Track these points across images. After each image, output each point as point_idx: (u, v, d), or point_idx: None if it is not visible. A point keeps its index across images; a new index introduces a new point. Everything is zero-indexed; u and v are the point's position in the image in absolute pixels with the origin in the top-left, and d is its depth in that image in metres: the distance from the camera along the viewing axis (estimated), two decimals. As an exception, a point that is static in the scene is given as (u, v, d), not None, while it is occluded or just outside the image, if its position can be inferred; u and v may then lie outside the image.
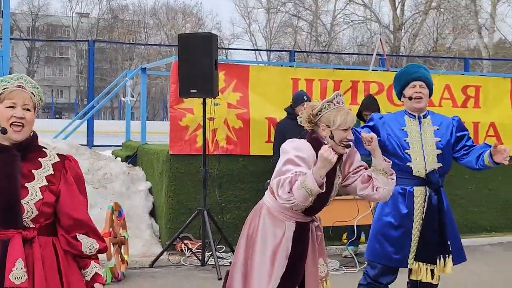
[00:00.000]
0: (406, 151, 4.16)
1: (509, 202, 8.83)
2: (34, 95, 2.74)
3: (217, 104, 7.13)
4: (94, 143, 11.07)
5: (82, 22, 49.01)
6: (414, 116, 4.25)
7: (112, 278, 6.11)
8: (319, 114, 3.40)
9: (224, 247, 7.16)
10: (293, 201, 3.19)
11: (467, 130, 4.33)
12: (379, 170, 3.46)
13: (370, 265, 4.36)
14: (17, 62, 42.85)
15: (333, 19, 33.80)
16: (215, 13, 63.18)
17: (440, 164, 4.19)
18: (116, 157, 9.08)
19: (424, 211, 4.16)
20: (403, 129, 4.21)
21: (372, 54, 9.30)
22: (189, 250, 7.03)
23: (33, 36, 44.65)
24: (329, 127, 3.36)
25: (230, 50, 36.09)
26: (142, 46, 44.88)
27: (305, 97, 6.73)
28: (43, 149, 2.79)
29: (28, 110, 2.69)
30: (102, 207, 7.07)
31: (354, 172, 3.55)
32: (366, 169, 3.57)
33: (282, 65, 9.14)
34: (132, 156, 8.74)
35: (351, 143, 3.41)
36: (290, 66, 8.35)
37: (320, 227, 3.62)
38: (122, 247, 6.50)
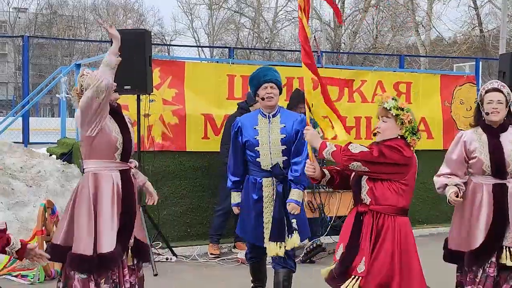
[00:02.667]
0: (256, 148, 4.85)
1: (441, 195, 9.09)
2: None
3: (152, 100, 7.12)
4: (30, 141, 10.84)
5: (19, 18, 47.78)
6: (265, 115, 4.91)
7: (45, 276, 6.05)
8: None
9: (161, 243, 7.16)
10: None
11: (300, 136, 4.83)
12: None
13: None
14: (-49, 58, 41.43)
15: (275, 16, 34.04)
16: (156, 9, 62.37)
17: (285, 157, 4.86)
18: (50, 155, 8.94)
19: (274, 198, 4.86)
20: (255, 128, 4.88)
21: (308, 51, 9.41)
22: (125, 247, 6.99)
23: (-33, 31, 43.25)
24: None
25: (172, 46, 35.86)
26: (82, 42, 44.08)
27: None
28: None
29: None
30: (36, 205, 6.96)
31: None
32: None
33: (218, 62, 9.14)
34: (67, 153, 8.61)
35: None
36: (227, 63, 8.37)
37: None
38: (56, 245, 6.41)
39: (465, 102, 9.15)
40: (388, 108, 3.88)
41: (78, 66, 8.98)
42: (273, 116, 4.90)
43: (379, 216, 3.82)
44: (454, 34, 28.99)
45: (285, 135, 4.81)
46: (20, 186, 7.40)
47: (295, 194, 4.82)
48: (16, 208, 7.08)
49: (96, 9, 46.80)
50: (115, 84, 4.24)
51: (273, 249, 4.81)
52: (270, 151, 4.83)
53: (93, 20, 45.75)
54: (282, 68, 7.46)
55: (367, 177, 3.87)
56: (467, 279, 4.51)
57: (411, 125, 3.88)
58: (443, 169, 4.75)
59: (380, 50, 28.65)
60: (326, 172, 4.07)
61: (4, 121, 10.64)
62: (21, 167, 7.76)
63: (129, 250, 4.39)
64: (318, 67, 8.91)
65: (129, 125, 4.58)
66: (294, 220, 4.84)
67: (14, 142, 9.10)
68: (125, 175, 4.39)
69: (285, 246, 4.81)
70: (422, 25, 26.89)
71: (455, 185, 4.58)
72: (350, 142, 3.86)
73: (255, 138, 4.85)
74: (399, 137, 3.89)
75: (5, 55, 52.76)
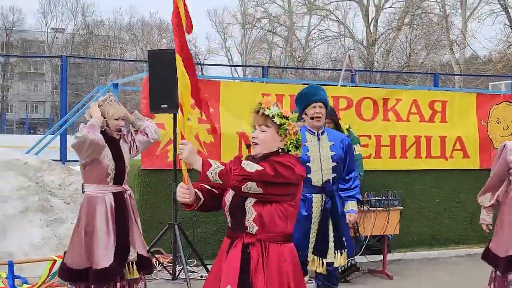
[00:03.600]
0: (307, 163, 4.91)
1: (477, 215, 8.92)
2: None
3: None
4: (68, 159, 11.04)
5: (57, 38, 48.84)
6: (314, 132, 5.03)
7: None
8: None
9: (195, 261, 7.20)
10: None
11: (352, 155, 5.20)
12: None
13: None
14: (-9, 77, 42.47)
15: (307, 35, 34.16)
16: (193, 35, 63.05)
17: (335, 175, 5.00)
18: (88, 172, 9.08)
19: (320, 214, 4.93)
20: (304, 145, 4.89)
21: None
22: (160, 264, 7.06)
23: (7, 51, 44.30)
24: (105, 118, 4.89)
25: (205, 65, 36.20)
26: (118, 62, 44.79)
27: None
28: None
29: None
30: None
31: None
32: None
33: (253, 81, 9.22)
34: (104, 171, 8.74)
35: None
36: (261, 82, 8.44)
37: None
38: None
39: (502, 121, 9.04)
40: (271, 116, 3.26)
41: (116, 85, 9.17)
42: (321, 134, 5.07)
43: (267, 246, 3.22)
44: (489, 52, 28.69)
45: (335, 153, 4.96)
46: (59, 203, 7.54)
47: (354, 205, 5.11)
48: (54, 225, 7.21)
49: (131, 29, 47.58)
50: (101, 139, 4.76)
51: (315, 264, 4.91)
52: (321, 167, 4.96)
53: (128, 40, 46.53)
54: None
55: (255, 200, 3.19)
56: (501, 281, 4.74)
57: (296, 137, 3.30)
58: (487, 183, 5.12)
59: (414, 69, 28.47)
60: (200, 194, 3.34)
61: (42, 139, 10.87)
62: (59, 185, 7.91)
63: (132, 265, 4.91)
64: (353, 86, 9.00)
65: (124, 151, 5.06)
66: (344, 238, 5.01)
67: (53, 160, 9.28)
68: (119, 197, 4.93)
69: (327, 263, 4.89)
70: (457, 43, 26.67)
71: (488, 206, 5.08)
72: (239, 157, 3.22)
73: (306, 154, 4.97)
74: (280, 150, 3.29)
75: (42, 75, 53.90)
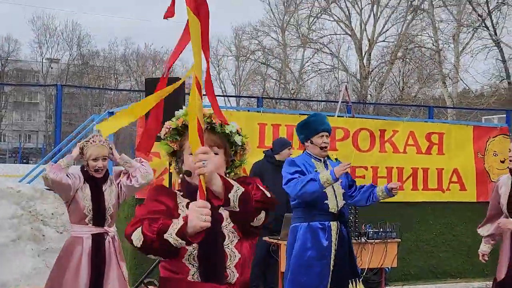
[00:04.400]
0: (323, 190, 4.79)
1: (474, 248, 8.85)
2: None
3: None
4: (60, 188, 10.91)
5: (52, 68, 48.94)
6: (320, 159, 5.02)
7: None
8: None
9: None
10: None
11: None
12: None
13: None
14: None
15: (301, 67, 34.35)
16: (185, 59, 63.40)
17: (344, 201, 4.96)
18: (81, 202, 8.97)
19: (336, 242, 4.81)
20: (316, 171, 4.88)
21: (338, 101, 9.47)
22: (153, 296, 6.93)
23: (1, 81, 44.33)
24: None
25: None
26: (112, 92, 44.84)
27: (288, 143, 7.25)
28: None
29: None
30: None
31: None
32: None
33: (249, 110, 9.20)
34: (98, 200, 8.64)
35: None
36: (257, 112, 8.41)
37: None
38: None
39: (499, 153, 9.03)
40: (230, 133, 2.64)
41: (111, 114, 9.10)
42: (325, 161, 5.07)
43: None
44: (482, 87, 28.90)
45: (341, 180, 4.91)
46: (51, 233, 7.43)
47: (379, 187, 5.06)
48: (46, 255, 7.09)
49: (126, 60, 47.75)
50: (63, 178, 4.74)
51: None
52: (335, 194, 4.91)
53: (123, 71, 46.67)
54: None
55: (237, 239, 2.47)
56: None
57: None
58: (487, 214, 5.33)
59: (407, 102, 28.63)
60: None
61: (36, 168, 10.76)
62: (52, 214, 7.79)
63: None
64: (349, 117, 8.98)
65: (108, 192, 4.96)
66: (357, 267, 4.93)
67: (46, 189, 9.16)
68: (98, 240, 4.84)
69: None
70: (449, 77, 26.88)
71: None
72: (255, 178, 2.52)
73: None
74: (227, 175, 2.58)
75: (36, 104, 53.87)
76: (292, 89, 34.06)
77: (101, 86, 42.65)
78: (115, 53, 48.77)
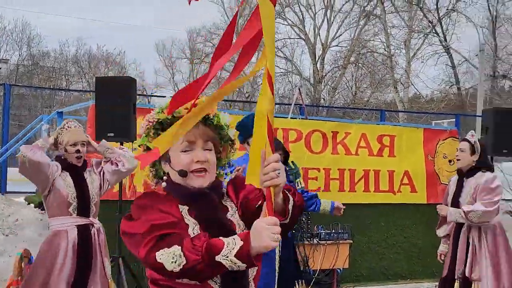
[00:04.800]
0: None
1: (425, 249, 9.02)
2: None
3: (134, 149, 7.01)
4: (8, 190, 10.61)
5: (0, 68, 47.76)
6: None
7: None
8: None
9: (140, 296, 6.94)
10: None
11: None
12: None
13: None
14: None
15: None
16: (138, 62, 62.82)
17: None
18: (29, 203, 8.74)
19: (280, 244, 4.70)
20: None
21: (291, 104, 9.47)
22: (102, 300, 6.76)
23: None
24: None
25: (153, 97, 35.89)
26: (63, 94, 44.04)
27: None
28: None
29: None
30: (12, 254, 6.75)
31: None
32: None
33: (202, 112, 9.10)
34: (46, 202, 8.42)
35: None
36: (210, 113, 8.34)
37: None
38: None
39: (448, 156, 9.17)
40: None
41: (60, 114, 8.90)
42: None
43: None
44: (432, 92, 29.48)
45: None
46: (-4, 235, 7.20)
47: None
48: (-9, 258, 6.87)
49: (78, 61, 46.96)
50: (42, 157, 4.42)
51: None
52: None
53: (74, 72, 45.88)
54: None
55: None
56: None
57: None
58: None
59: (359, 106, 28.97)
60: None
61: (-19, 169, 10.44)
62: (-3, 216, 7.58)
63: None
64: (302, 119, 8.99)
65: (90, 181, 4.69)
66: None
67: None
68: (84, 231, 4.54)
69: None
70: (401, 83, 27.32)
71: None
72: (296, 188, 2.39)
73: None
74: None
75: (-17, 105, 52.49)
76: (246, 92, 34.06)
77: (52, 87, 41.81)
78: (66, 54, 47.92)
